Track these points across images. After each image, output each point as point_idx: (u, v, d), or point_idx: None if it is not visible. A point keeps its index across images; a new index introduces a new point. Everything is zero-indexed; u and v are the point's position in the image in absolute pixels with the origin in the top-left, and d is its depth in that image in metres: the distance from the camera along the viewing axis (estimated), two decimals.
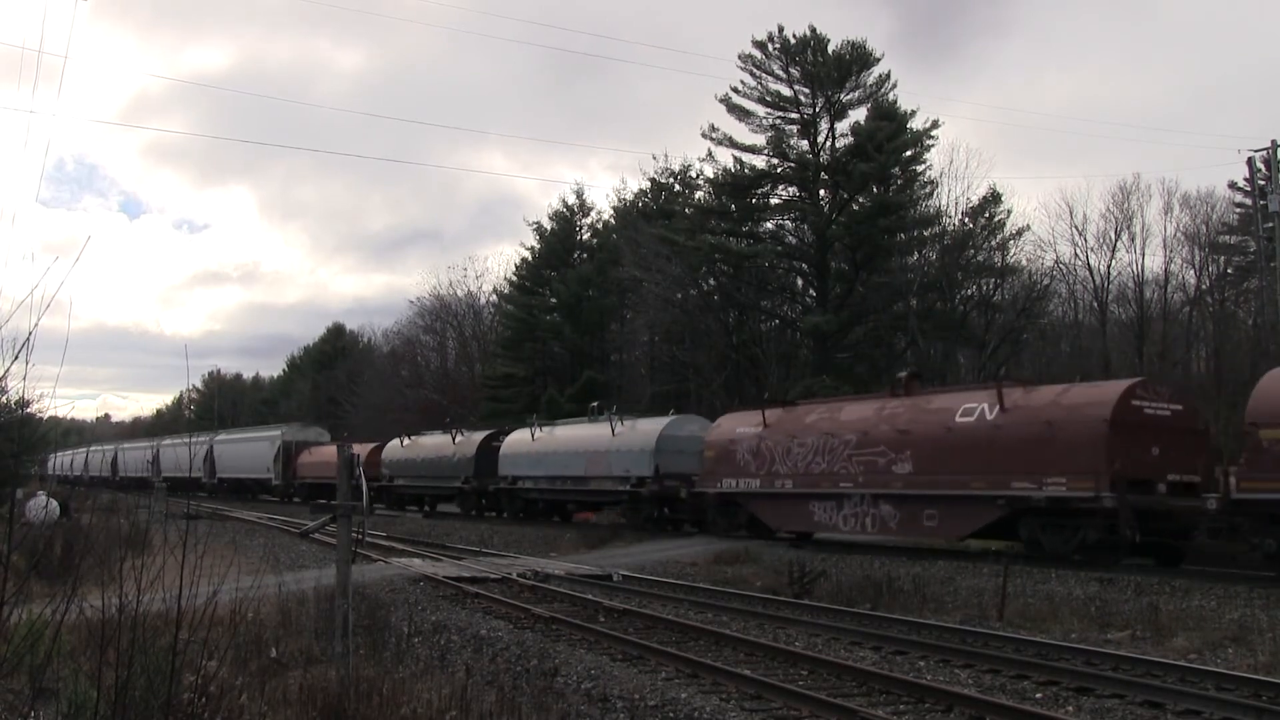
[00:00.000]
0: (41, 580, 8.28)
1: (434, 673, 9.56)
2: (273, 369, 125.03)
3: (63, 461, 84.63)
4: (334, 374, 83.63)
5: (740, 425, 26.80)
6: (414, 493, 43.24)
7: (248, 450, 57.99)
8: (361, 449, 42.23)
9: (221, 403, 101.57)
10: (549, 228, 59.23)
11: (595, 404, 37.10)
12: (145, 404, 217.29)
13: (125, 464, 71.91)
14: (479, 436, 39.29)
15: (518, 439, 37.08)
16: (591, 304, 53.71)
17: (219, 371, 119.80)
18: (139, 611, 5.67)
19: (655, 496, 29.75)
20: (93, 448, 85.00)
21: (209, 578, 6.45)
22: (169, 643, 5.73)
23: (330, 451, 46.73)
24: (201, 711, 6.16)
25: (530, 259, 59.31)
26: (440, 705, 7.81)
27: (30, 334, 5.20)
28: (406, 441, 43.96)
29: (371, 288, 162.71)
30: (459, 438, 40.10)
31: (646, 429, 31.32)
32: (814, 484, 23.79)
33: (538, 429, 36.21)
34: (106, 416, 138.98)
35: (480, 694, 8.52)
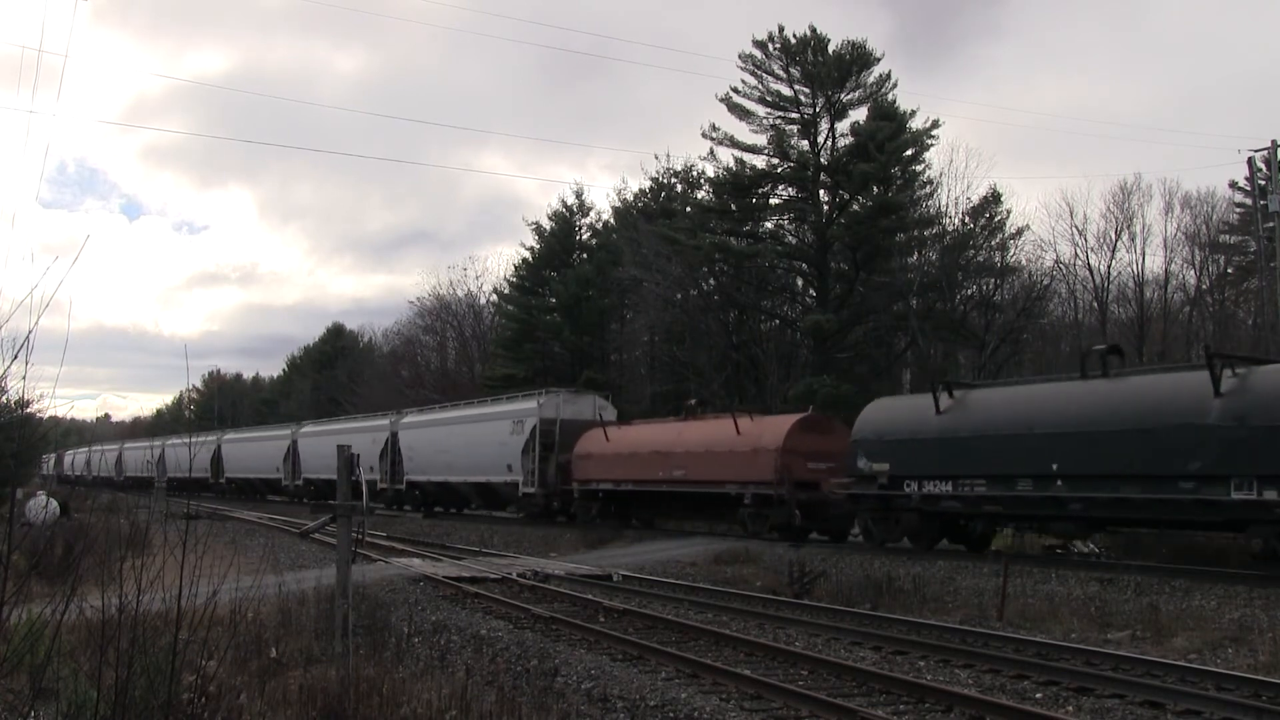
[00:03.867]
0: (41, 580, 8.28)
1: (434, 673, 9.56)
2: (271, 369, 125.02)
3: (97, 460, 77.73)
4: (334, 374, 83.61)
5: None
6: (1000, 510, 20.32)
7: (472, 438, 36.70)
8: (756, 426, 26.68)
9: (222, 402, 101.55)
10: (548, 228, 59.23)
11: None
12: (145, 404, 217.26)
13: (231, 461, 60.12)
14: None
15: None
16: (591, 304, 53.67)
17: (219, 371, 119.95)
18: (139, 611, 5.67)
19: None
20: (166, 441, 72.70)
21: (209, 578, 6.45)
22: (169, 643, 5.73)
23: (642, 437, 30.32)
24: (201, 711, 6.16)
25: (530, 259, 59.30)
26: (440, 705, 7.81)
27: (30, 333, 5.19)
28: (952, 397, 21.42)
29: (370, 288, 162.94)
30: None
31: None
32: None
33: None
34: (106, 416, 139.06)
35: (480, 694, 8.52)
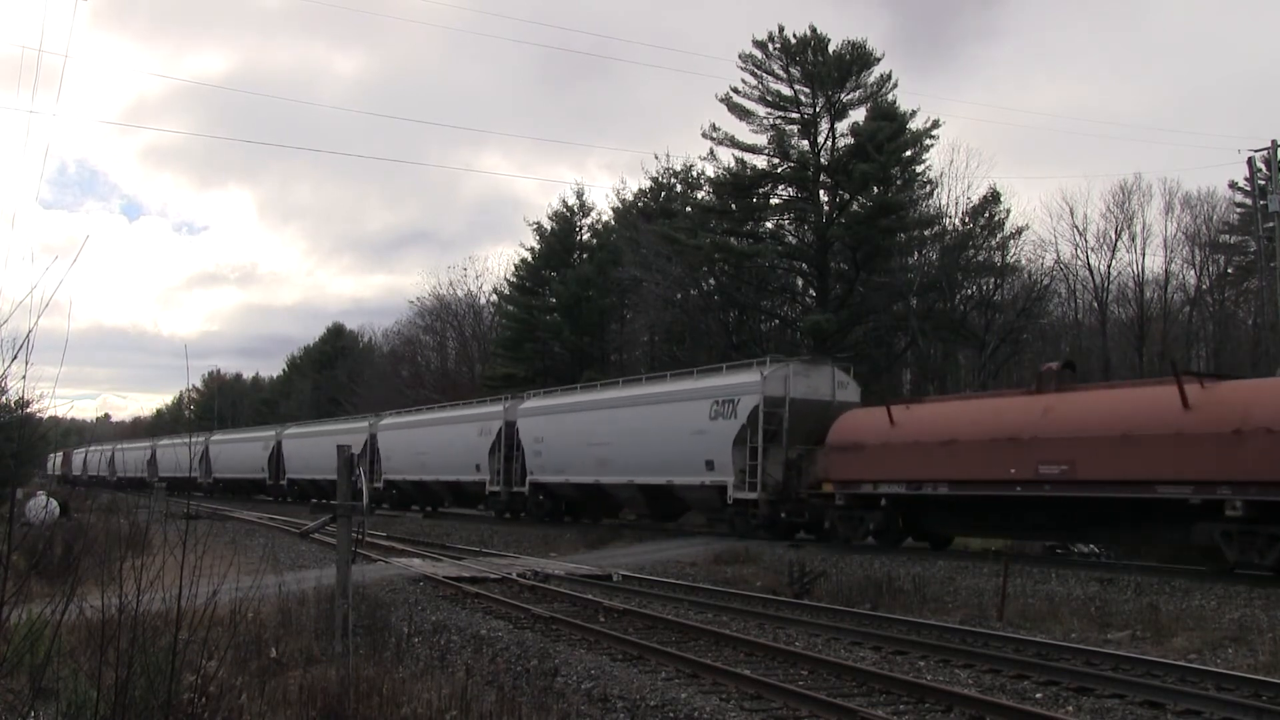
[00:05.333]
0: (41, 580, 8.28)
1: (434, 673, 9.55)
2: (270, 369, 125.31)
3: (125, 458, 70.27)
4: (334, 374, 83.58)
5: None
6: None
7: (645, 426, 28.45)
8: (1223, 394, 17.26)
9: (222, 402, 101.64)
10: (549, 228, 59.33)
11: None
12: (145, 404, 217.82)
13: (291, 460, 52.20)
14: None
15: None
16: (591, 304, 53.70)
17: (219, 371, 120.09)
18: (139, 611, 5.67)
19: None
20: (212, 437, 61.95)
21: (209, 578, 6.45)
22: (169, 643, 5.73)
23: (962, 418, 21.14)
24: (201, 711, 6.16)
25: (530, 259, 59.38)
26: (440, 705, 7.81)
27: (30, 333, 5.19)
28: None
29: (369, 288, 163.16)
30: None
31: None
32: None
33: None
34: (106, 416, 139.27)
35: (480, 694, 8.52)
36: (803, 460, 24.29)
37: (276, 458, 53.25)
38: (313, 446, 49.07)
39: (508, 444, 34.62)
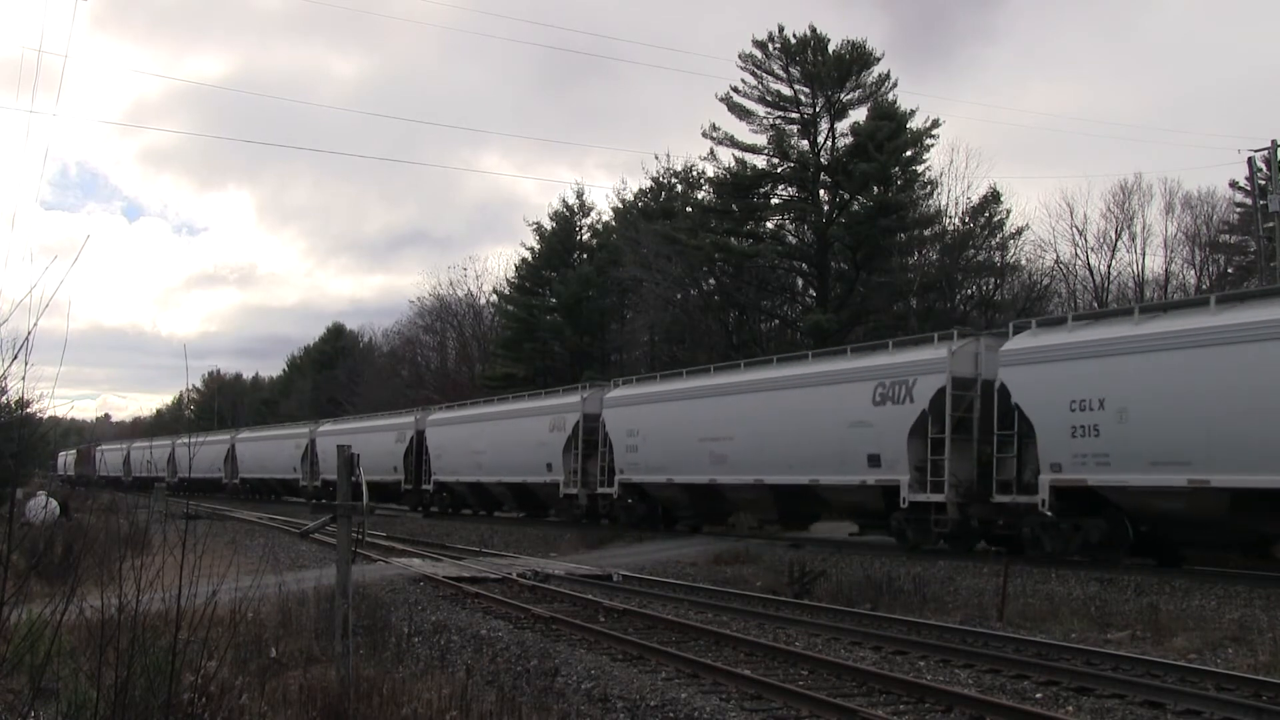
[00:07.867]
0: (41, 580, 8.28)
1: (434, 673, 9.56)
2: (270, 370, 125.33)
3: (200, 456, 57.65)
4: (334, 374, 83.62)
5: None
6: None
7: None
8: None
9: (222, 402, 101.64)
10: (549, 228, 59.36)
11: None
12: (145, 404, 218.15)
13: (444, 458, 37.84)
14: None
15: None
16: (591, 304, 53.74)
17: (219, 372, 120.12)
18: (139, 611, 5.67)
19: None
20: (318, 428, 50.36)
21: (209, 578, 6.45)
22: (169, 643, 5.73)
23: None
24: (201, 711, 6.16)
25: (530, 259, 59.42)
26: (440, 705, 7.81)
27: (29, 334, 5.18)
28: None
29: (369, 289, 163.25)
30: None
31: None
32: None
33: None
34: (106, 416, 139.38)
35: (480, 694, 8.53)
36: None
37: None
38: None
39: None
